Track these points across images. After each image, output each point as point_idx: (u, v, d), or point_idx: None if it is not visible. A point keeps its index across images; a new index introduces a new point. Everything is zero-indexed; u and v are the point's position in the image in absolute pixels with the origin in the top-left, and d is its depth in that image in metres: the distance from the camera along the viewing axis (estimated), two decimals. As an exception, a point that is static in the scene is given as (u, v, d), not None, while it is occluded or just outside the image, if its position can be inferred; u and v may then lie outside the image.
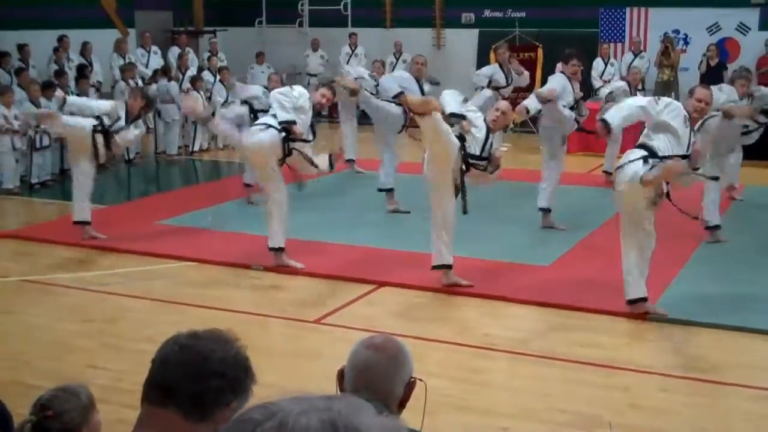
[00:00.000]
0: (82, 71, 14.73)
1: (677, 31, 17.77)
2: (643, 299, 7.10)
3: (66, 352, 6.52)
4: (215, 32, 19.60)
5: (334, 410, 1.06)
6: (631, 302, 7.13)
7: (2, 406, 3.13)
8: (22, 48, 14.84)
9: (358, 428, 1.04)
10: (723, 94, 9.32)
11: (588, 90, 15.00)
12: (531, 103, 9.89)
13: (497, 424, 5.38)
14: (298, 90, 8.53)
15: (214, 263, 8.65)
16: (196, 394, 1.90)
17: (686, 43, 17.83)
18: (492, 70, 12.84)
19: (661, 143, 6.91)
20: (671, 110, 6.97)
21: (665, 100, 7.18)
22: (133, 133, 9.56)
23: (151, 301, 7.67)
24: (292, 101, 8.27)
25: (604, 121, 7.16)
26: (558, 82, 10.08)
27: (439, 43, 19.97)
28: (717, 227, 9.41)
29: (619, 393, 5.84)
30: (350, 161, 13.07)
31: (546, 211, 9.92)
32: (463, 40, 19.16)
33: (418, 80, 10.92)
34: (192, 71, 16.29)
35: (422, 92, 10.58)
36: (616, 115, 7.14)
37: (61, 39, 15.63)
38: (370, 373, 2.74)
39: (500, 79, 12.56)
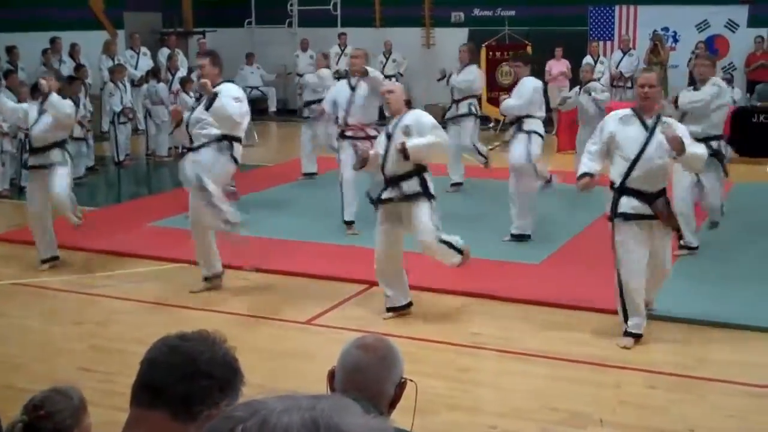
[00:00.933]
0: (78, 72, 14.63)
1: (666, 29, 17.83)
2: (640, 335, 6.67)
3: (56, 355, 6.51)
4: (204, 33, 19.60)
5: (317, 409, 1.06)
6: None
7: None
8: (10, 50, 14.80)
9: (340, 427, 1.04)
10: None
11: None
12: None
13: (487, 423, 5.40)
14: None
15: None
16: (185, 395, 1.91)
17: (675, 40, 17.90)
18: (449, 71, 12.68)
19: (614, 169, 6.59)
20: (608, 124, 6.66)
21: (600, 124, 6.81)
22: (65, 106, 8.56)
23: (141, 303, 7.67)
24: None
25: (583, 174, 6.68)
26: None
27: (428, 42, 20.00)
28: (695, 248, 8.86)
29: (609, 390, 5.87)
30: None
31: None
32: (453, 39, 19.14)
33: (350, 78, 9.98)
34: (182, 72, 16.26)
35: (353, 90, 9.76)
36: (588, 161, 6.66)
37: (53, 41, 15.60)
38: (361, 374, 2.75)
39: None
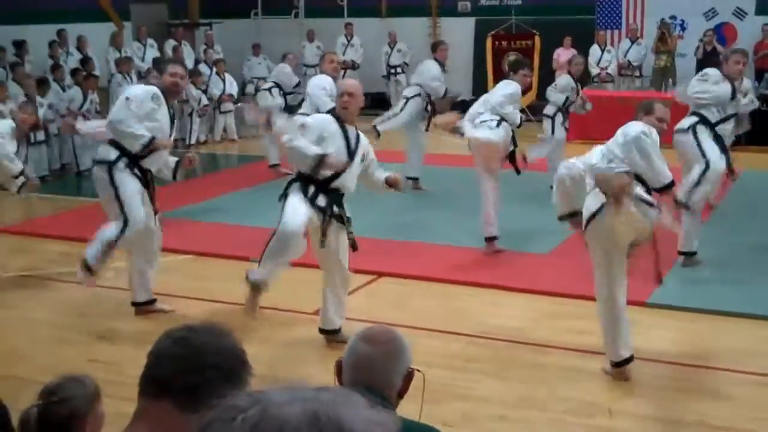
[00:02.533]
0: (85, 66, 14.61)
1: (674, 17, 17.73)
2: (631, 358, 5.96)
3: (64, 347, 6.52)
4: (211, 24, 19.57)
5: (319, 401, 1.05)
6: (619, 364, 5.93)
7: (-1, 401, 3.13)
8: (20, 44, 14.80)
9: (340, 420, 1.03)
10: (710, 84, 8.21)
11: (586, 77, 14.97)
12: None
13: (495, 413, 5.39)
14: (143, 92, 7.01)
15: (212, 256, 8.66)
16: (191, 387, 1.91)
17: (683, 28, 17.80)
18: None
19: None
20: None
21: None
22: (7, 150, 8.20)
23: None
24: (141, 114, 6.85)
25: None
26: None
27: (435, 33, 19.92)
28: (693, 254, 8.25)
29: (617, 380, 5.84)
30: None
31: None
32: (460, 29, 19.12)
33: (335, 81, 9.81)
34: (188, 64, 16.24)
35: None
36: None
37: (60, 33, 15.59)
38: (368, 366, 2.74)
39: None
